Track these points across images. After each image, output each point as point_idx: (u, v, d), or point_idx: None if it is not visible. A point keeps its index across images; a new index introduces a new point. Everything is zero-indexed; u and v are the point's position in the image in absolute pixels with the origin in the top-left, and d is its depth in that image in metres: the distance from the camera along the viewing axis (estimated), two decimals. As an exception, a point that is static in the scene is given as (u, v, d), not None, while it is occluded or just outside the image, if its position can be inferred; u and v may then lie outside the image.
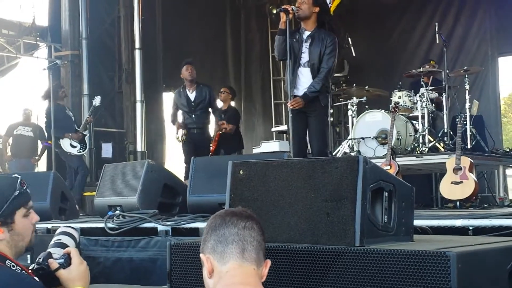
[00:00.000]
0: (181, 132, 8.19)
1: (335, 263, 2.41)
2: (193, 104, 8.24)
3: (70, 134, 8.96)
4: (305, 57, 5.90)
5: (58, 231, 2.67)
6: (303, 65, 5.91)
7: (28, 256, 4.29)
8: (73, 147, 9.01)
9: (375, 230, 2.60)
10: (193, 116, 8.23)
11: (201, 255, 1.94)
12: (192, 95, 8.29)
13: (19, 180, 2.39)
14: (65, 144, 8.96)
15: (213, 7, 12.58)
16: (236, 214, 1.94)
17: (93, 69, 10.23)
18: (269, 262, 1.95)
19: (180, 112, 8.43)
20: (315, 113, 5.90)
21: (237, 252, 1.87)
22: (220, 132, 9.05)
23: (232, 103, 10.17)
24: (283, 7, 5.95)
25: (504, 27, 10.78)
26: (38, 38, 10.66)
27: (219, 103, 9.30)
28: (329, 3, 9.44)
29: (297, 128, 5.93)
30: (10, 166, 10.90)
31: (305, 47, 5.90)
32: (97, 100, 9.22)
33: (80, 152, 9.09)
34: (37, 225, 5.23)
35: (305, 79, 5.91)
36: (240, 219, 1.92)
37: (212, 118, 8.67)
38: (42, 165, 10.94)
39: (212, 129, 8.91)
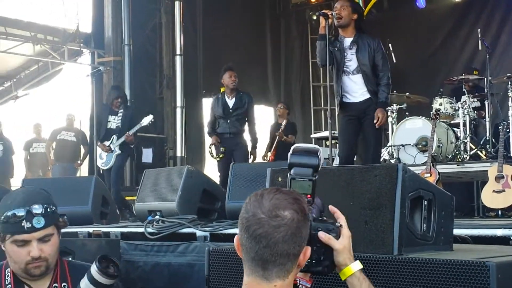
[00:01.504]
0: (214, 148, 8.02)
1: (373, 272, 2.40)
2: (230, 110, 8.04)
3: (99, 143, 8.40)
4: (352, 64, 5.83)
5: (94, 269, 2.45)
6: (351, 73, 5.84)
7: (70, 258, 4.38)
8: (101, 158, 8.47)
9: (414, 239, 2.58)
10: (228, 121, 8.04)
11: (235, 237, 1.84)
12: (230, 102, 8.09)
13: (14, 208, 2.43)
14: (97, 152, 8.56)
15: (253, 14, 12.64)
16: (263, 224, 1.73)
17: (135, 75, 10.37)
18: (308, 251, 1.81)
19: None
20: (370, 116, 5.78)
21: (257, 270, 1.76)
22: (279, 140, 9.38)
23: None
24: (322, 11, 5.90)
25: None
26: (81, 45, 10.85)
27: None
28: (363, 7, 9.43)
29: (348, 135, 5.87)
30: (53, 170, 11.11)
31: (351, 54, 5.84)
32: (146, 120, 8.47)
33: (103, 166, 8.40)
34: (79, 229, 5.37)
35: (357, 86, 5.84)
36: (264, 235, 1.73)
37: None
38: (84, 170, 11.12)
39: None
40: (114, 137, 8.34)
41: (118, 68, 10.39)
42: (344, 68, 5.85)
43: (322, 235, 1.89)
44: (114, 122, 8.44)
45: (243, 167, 5.65)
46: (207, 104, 11.84)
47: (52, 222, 2.46)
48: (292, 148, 1.97)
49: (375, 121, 5.77)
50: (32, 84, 12.81)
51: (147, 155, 10.58)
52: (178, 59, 10.68)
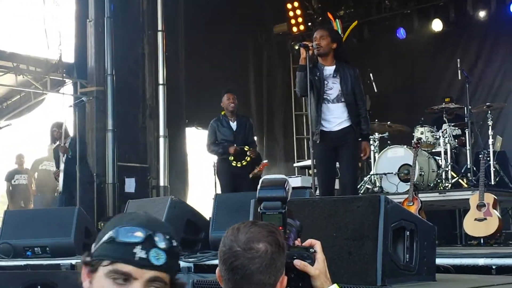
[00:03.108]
0: (237, 155, 7.58)
1: (357, 303, 2.42)
2: (234, 134, 7.75)
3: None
4: (333, 93, 5.87)
5: None
6: (331, 101, 5.88)
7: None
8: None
9: (397, 269, 2.61)
10: (235, 144, 7.65)
11: (217, 269, 1.89)
12: (233, 125, 7.81)
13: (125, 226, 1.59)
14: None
15: (235, 44, 12.73)
16: (239, 257, 1.80)
17: (117, 105, 10.35)
18: (285, 280, 1.87)
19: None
20: (348, 144, 5.86)
21: None
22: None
23: None
24: (303, 42, 5.96)
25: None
26: (64, 75, 10.84)
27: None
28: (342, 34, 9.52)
29: (326, 165, 5.90)
30: (35, 201, 11.03)
31: (332, 83, 5.88)
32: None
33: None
34: (61, 261, 5.32)
35: (335, 115, 5.87)
36: (240, 266, 1.79)
37: None
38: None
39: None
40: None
41: (101, 98, 10.38)
42: (324, 96, 5.89)
43: (298, 262, 1.94)
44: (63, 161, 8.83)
45: (227, 198, 5.66)
46: (190, 133, 11.89)
47: (173, 268, 1.64)
48: (260, 181, 2.02)
49: (362, 155, 5.95)
50: (14, 114, 12.74)
51: (130, 184, 10.54)
52: (161, 89, 10.71)
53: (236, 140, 7.74)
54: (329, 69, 5.93)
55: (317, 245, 2.03)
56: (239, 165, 7.58)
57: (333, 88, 5.88)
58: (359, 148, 5.95)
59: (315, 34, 6.02)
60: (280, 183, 2.02)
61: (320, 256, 2.00)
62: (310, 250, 1.98)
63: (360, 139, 5.97)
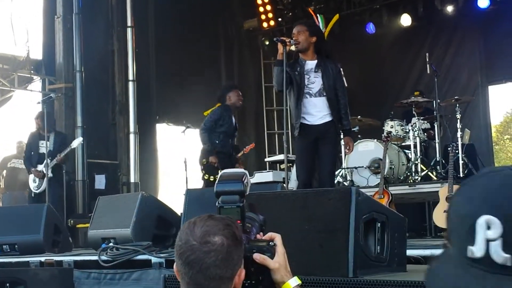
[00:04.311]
0: (211, 169, 7.61)
1: (329, 295, 2.42)
2: (235, 128, 7.89)
3: (32, 169, 8.58)
4: (315, 87, 5.88)
5: None
6: (314, 95, 5.88)
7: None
8: (34, 182, 8.71)
9: (368, 261, 2.62)
10: (230, 141, 7.85)
11: (174, 264, 1.87)
12: (234, 121, 7.95)
13: None
14: (30, 179, 8.77)
15: (206, 39, 12.70)
16: (194, 251, 1.79)
17: (86, 102, 10.25)
18: (242, 273, 1.86)
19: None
20: (329, 139, 5.90)
21: None
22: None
23: None
24: (280, 38, 5.93)
25: (493, 55, 10.92)
26: (32, 72, 10.70)
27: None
28: (323, 28, 9.52)
29: (306, 158, 5.93)
30: (3, 198, 10.87)
31: (314, 77, 5.88)
32: (76, 142, 8.65)
33: (35, 190, 8.61)
34: (30, 259, 5.26)
35: (317, 109, 5.89)
36: (196, 260, 1.78)
37: None
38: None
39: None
40: (48, 160, 8.40)
41: (70, 95, 10.27)
42: (306, 90, 5.87)
43: (257, 256, 1.94)
44: (44, 147, 8.54)
45: (198, 193, 5.64)
46: (160, 129, 11.82)
47: None
48: (218, 176, 2.02)
49: (347, 149, 6.12)
50: (-19, 112, 12.55)
51: (100, 181, 10.45)
52: (131, 85, 10.63)
53: (234, 136, 7.92)
54: (311, 64, 5.92)
55: (277, 238, 2.02)
56: (211, 179, 7.53)
57: (315, 82, 5.89)
58: (340, 143, 6.01)
59: (293, 30, 6.02)
60: (237, 177, 2.01)
61: (280, 249, 1.99)
62: (270, 243, 1.98)
63: (342, 134, 6.04)
